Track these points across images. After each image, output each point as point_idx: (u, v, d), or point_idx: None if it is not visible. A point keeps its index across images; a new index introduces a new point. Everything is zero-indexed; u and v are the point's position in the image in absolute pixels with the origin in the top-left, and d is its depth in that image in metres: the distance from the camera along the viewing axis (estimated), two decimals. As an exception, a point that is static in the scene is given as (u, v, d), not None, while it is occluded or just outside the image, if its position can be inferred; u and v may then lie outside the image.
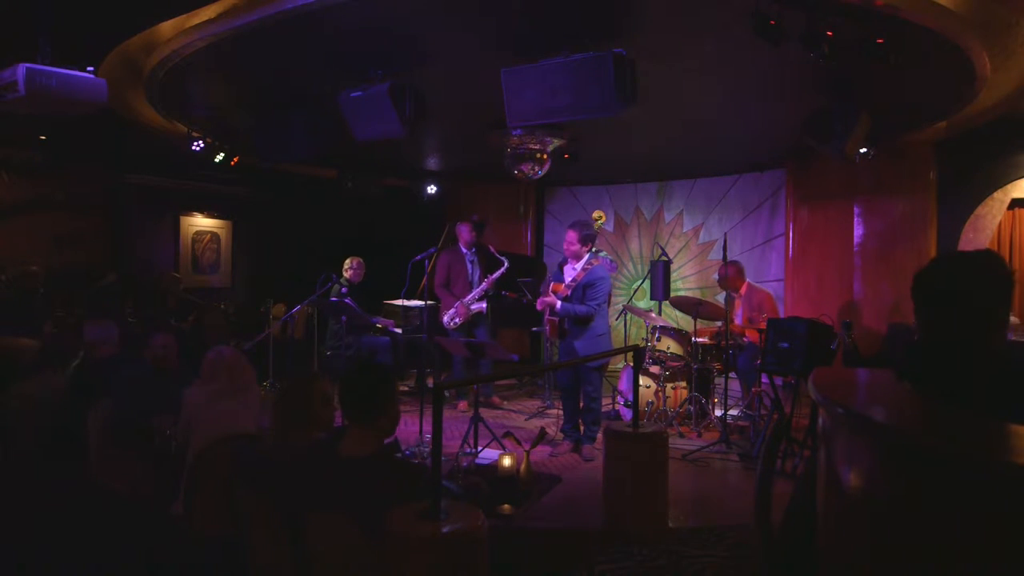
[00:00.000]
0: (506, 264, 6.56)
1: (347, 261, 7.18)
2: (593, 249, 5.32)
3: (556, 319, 5.30)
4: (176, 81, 5.13)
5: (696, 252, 8.67)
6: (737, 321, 6.32)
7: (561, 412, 5.58)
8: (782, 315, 6.80)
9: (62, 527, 3.57)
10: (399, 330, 6.96)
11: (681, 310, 6.70)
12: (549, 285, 5.45)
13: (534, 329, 7.92)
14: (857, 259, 7.24)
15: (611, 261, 6.61)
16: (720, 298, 6.92)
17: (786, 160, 7.70)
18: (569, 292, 5.18)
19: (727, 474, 5.02)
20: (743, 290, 6.40)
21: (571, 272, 5.29)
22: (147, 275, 8.46)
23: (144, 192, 8.91)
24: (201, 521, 2.95)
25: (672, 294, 6.95)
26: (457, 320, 6.61)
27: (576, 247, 5.22)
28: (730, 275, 6.36)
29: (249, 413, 3.42)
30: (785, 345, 4.96)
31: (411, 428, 5.67)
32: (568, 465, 5.09)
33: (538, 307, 5.40)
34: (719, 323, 6.18)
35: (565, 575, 3.43)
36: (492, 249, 6.65)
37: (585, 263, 5.20)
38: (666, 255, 6.95)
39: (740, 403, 6.36)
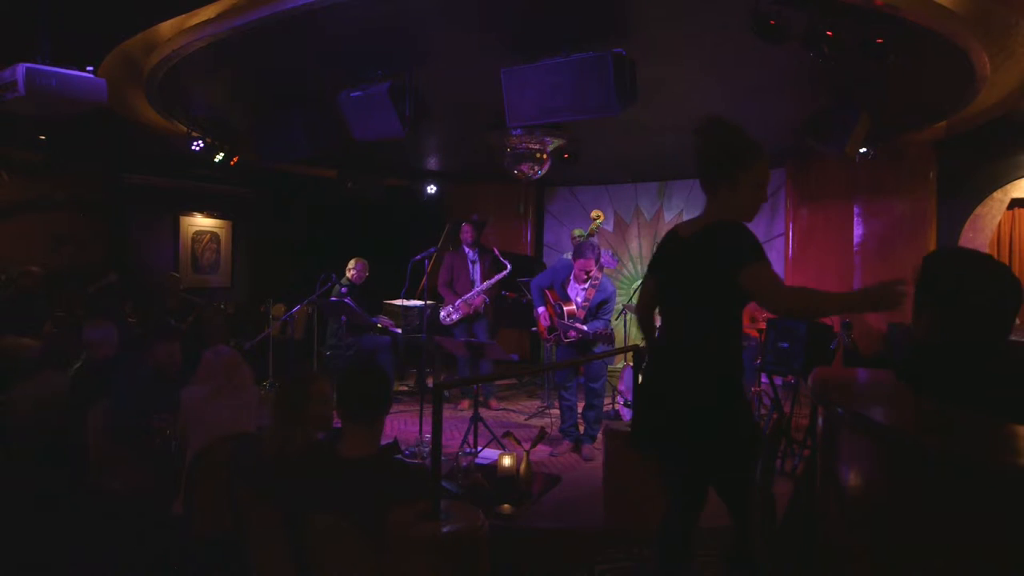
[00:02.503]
0: (509, 268, 6.62)
1: (351, 262, 7.14)
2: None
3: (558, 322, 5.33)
4: (176, 81, 5.12)
5: (696, 252, 8.65)
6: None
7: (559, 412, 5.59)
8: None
9: (62, 527, 3.57)
10: (399, 330, 6.97)
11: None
12: (563, 285, 5.46)
13: (534, 329, 7.92)
14: (857, 259, 7.23)
15: (612, 255, 6.61)
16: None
17: (786, 160, 7.69)
18: (583, 313, 5.24)
19: (727, 474, 5.02)
20: None
21: (578, 291, 5.33)
22: (147, 275, 8.46)
23: (144, 192, 8.91)
24: (201, 521, 2.94)
25: (672, 294, 6.94)
26: (455, 316, 6.64)
27: (592, 271, 5.27)
28: None
29: (247, 412, 3.41)
30: (785, 345, 4.96)
31: (411, 428, 5.67)
32: (568, 465, 5.09)
33: (543, 321, 5.44)
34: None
35: (565, 575, 3.43)
36: (496, 252, 6.72)
37: (592, 279, 5.25)
38: (666, 255, 6.94)
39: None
